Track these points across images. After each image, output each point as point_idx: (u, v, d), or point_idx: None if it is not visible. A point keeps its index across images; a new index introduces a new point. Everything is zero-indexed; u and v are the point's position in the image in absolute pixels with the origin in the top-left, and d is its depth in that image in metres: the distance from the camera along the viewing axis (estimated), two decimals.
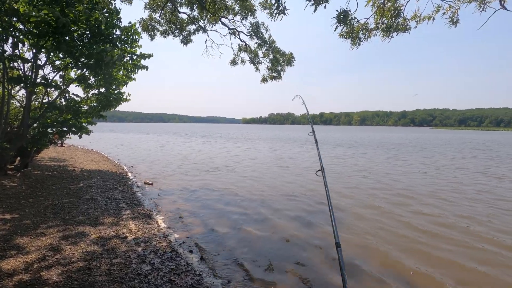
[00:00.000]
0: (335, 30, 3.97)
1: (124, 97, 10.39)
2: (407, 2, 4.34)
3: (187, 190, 8.57)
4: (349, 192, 8.52)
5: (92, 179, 9.06)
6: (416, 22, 4.56)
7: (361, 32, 4.69)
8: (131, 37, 9.22)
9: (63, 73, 9.39)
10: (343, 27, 4.30)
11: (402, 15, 4.49)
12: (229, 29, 8.88)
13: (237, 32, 8.99)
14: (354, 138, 42.83)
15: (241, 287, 3.50)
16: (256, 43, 8.77)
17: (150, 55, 9.51)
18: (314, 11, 4.49)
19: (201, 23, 9.24)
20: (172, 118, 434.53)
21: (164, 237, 4.89)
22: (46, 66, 8.93)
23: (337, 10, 3.71)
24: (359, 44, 4.81)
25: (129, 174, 10.67)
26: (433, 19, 4.34)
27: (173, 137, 38.05)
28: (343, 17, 3.84)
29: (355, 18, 4.12)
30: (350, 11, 3.76)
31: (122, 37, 9.00)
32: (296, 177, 10.74)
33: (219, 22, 8.33)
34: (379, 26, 4.51)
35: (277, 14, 4.24)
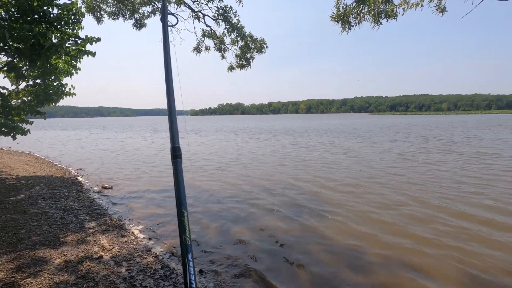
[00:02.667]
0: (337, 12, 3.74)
1: (67, 90, 8.87)
2: None
3: (154, 191, 7.74)
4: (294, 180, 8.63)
5: (35, 188, 7.60)
6: (403, 10, 4.57)
7: (352, 16, 4.54)
8: (72, 16, 7.81)
9: None
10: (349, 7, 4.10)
11: (391, 1, 4.44)
12: (193, 11, 8.03)
13: (202, 16, 8.20)
14: (302, 125, 44.53)
15: None
16: (225, 28, 8.10)
17: (97, 39, 8.20)
18: None
19: (158, 4, 8.21)
20: (113, 111, 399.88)
21: (148, 250, 4.24)
22: None
23: None
24: (349, 29, 4.67)
25: (80, 178, 9.28)
26: (422, 5, 4.36)
27: (117, 133, 34.86)
28: None
29: None
30: None
31: (61, 16, 7.55)
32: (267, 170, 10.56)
33: (183, 3, 7.44)
34: (371, 11, 4.40)
35: None
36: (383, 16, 4.45)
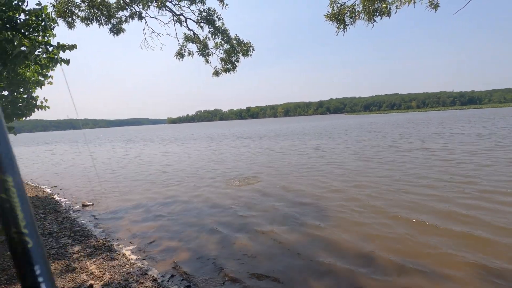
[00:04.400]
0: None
1: (39, 103, 8.14)
2: None
3: (140, 206, 7.23)
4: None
5: None
6: (396, 7, 4.54)
7: (347, 14, 4.45)
8: (42, 23, 7.23)
9: None
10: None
11: None
12: (175, 15, 7.66)
13: (184, 19, 7.85)
14: (279, 129, 44.79)
15: None
16: (209, 31, 7.80)
17: (72, 46, 7.62)
18: None
19: (136, 8, 7.79)
20: (85, 123, 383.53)
21: (143, 274, 3.84)
22: None
23: None
24: (344, 28, 4.57)
25: (56, 197, 8.54)
26: (414, 2, 4.34)
27: (90, 146, 33.19)
28: None
29: None
30: None
31: (30, 22, 6.97)
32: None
33: (165, 7, 7.05)
34: (365, 9, 4.32)
35: None
36: (377, 14, 4.39)
